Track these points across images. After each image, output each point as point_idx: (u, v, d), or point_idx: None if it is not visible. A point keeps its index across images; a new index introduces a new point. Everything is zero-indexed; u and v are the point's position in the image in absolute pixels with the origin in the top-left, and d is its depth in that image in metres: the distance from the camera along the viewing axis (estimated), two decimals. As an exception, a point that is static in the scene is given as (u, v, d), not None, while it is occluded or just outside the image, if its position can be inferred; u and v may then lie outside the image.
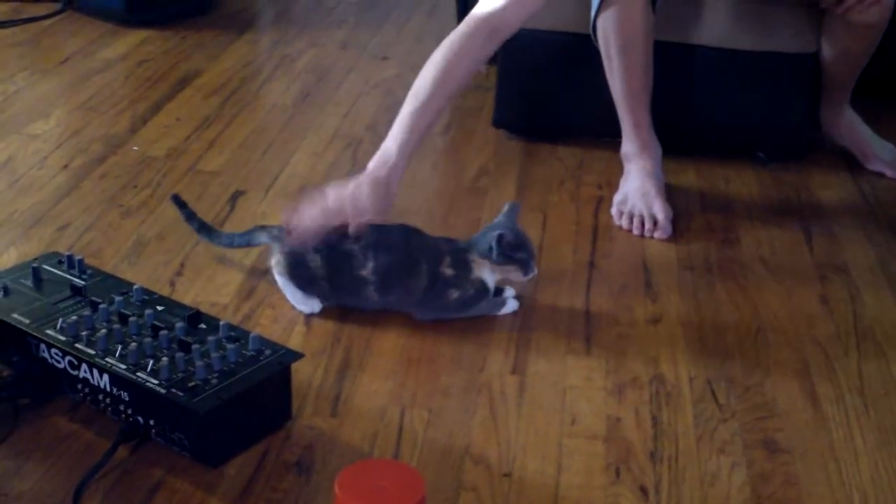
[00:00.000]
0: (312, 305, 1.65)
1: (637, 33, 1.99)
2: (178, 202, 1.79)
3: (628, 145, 2.08)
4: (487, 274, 1.64)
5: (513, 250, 1.62)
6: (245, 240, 1.74)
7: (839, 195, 2.16)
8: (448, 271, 1.62)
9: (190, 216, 1.78)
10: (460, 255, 1.63)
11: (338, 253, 1.61)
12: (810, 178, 2.22)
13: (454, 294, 1.63)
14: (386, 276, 1.61)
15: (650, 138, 2.08)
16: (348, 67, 2.76)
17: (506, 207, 1.70)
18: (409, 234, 1.65)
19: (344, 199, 1.61)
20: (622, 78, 2.03)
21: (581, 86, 2.29)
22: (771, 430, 1.44)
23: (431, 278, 1.62)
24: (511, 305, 1.68)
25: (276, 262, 1.66)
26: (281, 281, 1.66)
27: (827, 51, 2.15)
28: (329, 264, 1.62)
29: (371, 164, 1.68)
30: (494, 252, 1.61)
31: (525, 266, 1.64)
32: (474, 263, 1.63)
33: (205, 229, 1.78)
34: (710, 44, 2.20)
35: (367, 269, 1.61)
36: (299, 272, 1.64)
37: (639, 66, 2.02)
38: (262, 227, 1.72)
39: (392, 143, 1.70)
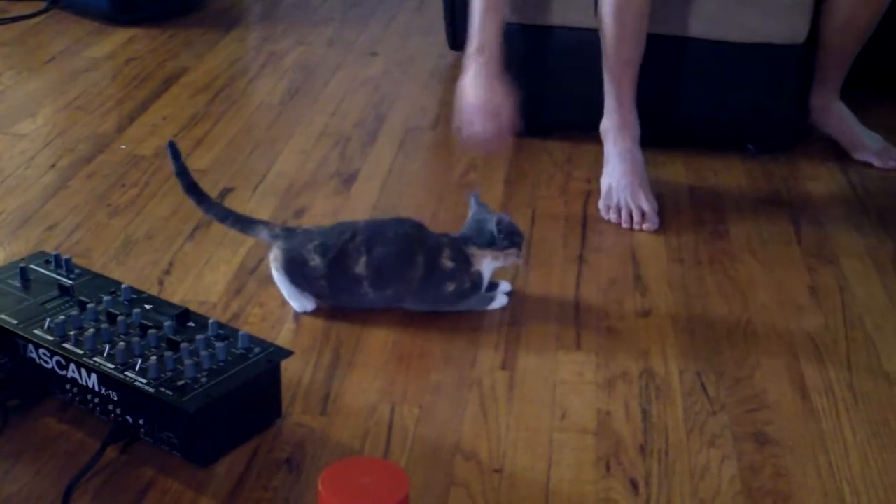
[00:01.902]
0: (305, 304, 1.65)
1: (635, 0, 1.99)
2: (174, 151, 1.66)
3: (609, 121, 2.08)
4: (486, 265, 1.65)
5: (512, 234, 1.64)
6: (241, 227, 1.69)
7: (828, 186, 2.16)
8: (448, 264, 1.63)
9: (182, 171, 1.67)
10: (459, 248, 1.64)
11: (337, 253, 1.61)
12: (799, 170, 2.22)
13: (450, 287, 1.63)
14: (379, 270, 1.61)
15: (631, 115, 2.07)
16: (336, 65, 2.75)
17: (472, 199, 1.70)
18: (403, 227, 1.65)
19: (470, 105, 1.91)
20: (613, 44, 2.02)
21: (570, 80, 2.29)
22: (761, 423, 1.45)
23: (428, 269, 1.62)
24: (500, 301, 1.68)
25: (274, 259, 1.66)
26: (278, 277, 1.66)
27: (830, 24, 2.15)
28: (329, 265, 1.61)
29: (470, 55, 1.96)
30: (498, 238, 1.62)
31: (520, 248, 1.66)
32: (474, 257, 1.63)
33: (195, 192, 1.68)
34: (698, 35, 2.20)
35: (360, 265, 1.61)
36: (298, 270, 1.63)
37: (632, 34, 2.01)
38: (265, 224, 1.69)
39: (477, 34, 1.96)
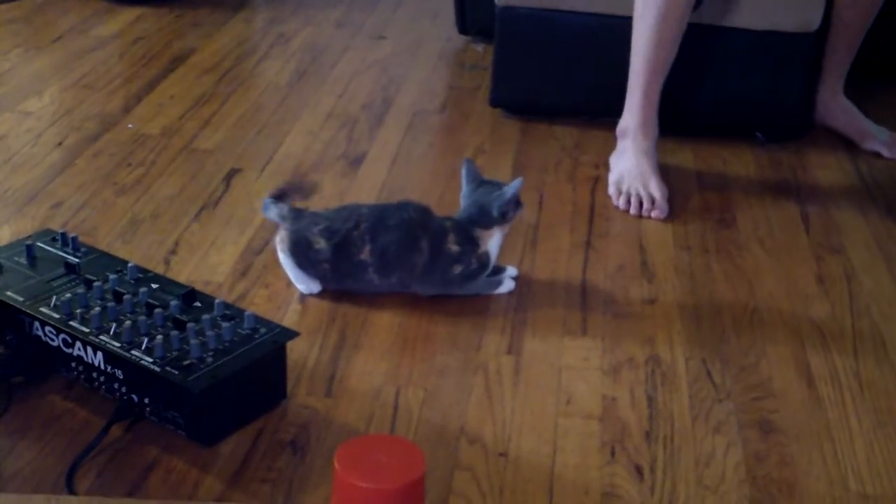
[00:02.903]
0: (311, 286, 1.64)
1: (680, 3, 1.98)
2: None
3: (629, 119, 2.06)
4: (494, 244, 1.65)
5: (513, 203, 1.64)
6: (264, 204, 1.66)
7: (836, 175, 2.15)
8: (454, 248, 1.62)
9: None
10: (464, 230, 1.63)
11: (342, 239, 1.61)
12: (807, 159, 2.22)
13: (457, 269, 1.63)
14: (384, 256, 1.61)
15: (653, 117, 2.06)
16: (344, 46, 2.74)
17: (465, 168, 1.68)
18: (407, 212, 1.64)
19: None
20: (651, 45, 2.00)
21: (579, 65, 2.28)
22: (766, 411, 1.44)
23: (434, 254, 1.62)
24: (507, 286, 1.68)
25: (280, 240, 1.65)
26: (283, 258, 1.65)
27: (840, 2, 2.15)
28: (334, 249, 1.61)
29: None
30: (511, 211, 1.63)
31: (521, 207, 1.66)
32: (481, 238, 1.63)
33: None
34: (709, 22, 2.19)
35: (365, 252, 1.60)
36: (303, 253, 1.63)
37: (671, 37, 2.01)
38: (276, 203, 1.66)
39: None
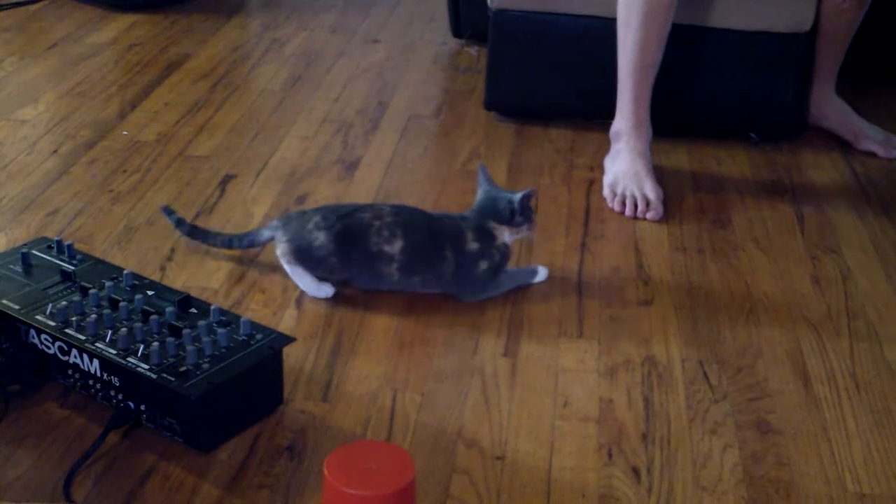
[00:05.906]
0: (326, 290, 1.64)
1: (662, 3, 1.99)
2: (167, 211, 1.75)
3: (622, 122, 2.07)
4: (508, 238, 1.66)
5: (525, 210, 1.65)
6: (250, 241, 1.70)
7: (831, 175, 2.16)
8: (473, 246, 1.63)
9: (180, 222, 1.74)
10: (480, 226, 1.64)
11: (350, 226, 1.61)
12: (802, 159, 2.22)
13: (483, 265, 1.64)
14: (412, 256, 1.61)
15: (645, 118, 2.07)
16: (338, 51, 2.75)
17: (481, 171, 1.70)
18: (428, 218, 1.66)
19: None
20: (636, 48, 2.01)
21: (573, 67, 2.28)
22: (763, 411, 1.45)
23: (458, 259, 1.63)
24: (542, 274, 1.71)
25: (281, 253, 1.65)
26: (291, 270, 1.65)
27: (825, 7, 2.15)
28: (336, 238, 1.61)
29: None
30: (518, 214, 1.64)
31: (532, 222, 1.67)
32: (496, 230, 1.65)
33: (197, 233, 1.74)
34: (701, 23, 2.20)
35: (395, 248, 1.60)
36: (307, 256, 1.63)
37: (656, 38, 2.01)
38: (261, 228, 1.70)
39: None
